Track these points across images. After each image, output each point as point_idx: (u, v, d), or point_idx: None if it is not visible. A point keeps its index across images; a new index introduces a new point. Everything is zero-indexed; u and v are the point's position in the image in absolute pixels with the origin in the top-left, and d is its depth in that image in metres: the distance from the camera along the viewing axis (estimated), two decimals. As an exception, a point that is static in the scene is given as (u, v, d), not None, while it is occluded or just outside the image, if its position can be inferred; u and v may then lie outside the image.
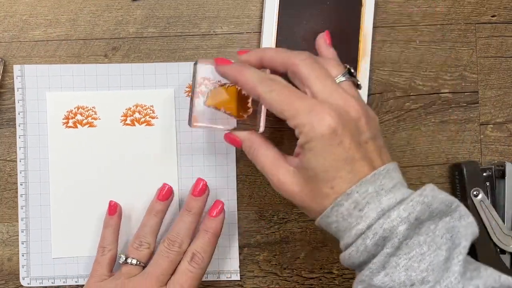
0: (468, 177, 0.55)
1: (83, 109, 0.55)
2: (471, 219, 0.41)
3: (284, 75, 0.46)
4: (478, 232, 0.41)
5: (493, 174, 0.56)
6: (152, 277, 0.49)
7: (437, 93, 0.57)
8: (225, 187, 0.56)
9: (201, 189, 0.52)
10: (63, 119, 0.55)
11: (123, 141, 0.55)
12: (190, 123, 0.49)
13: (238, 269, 0.56)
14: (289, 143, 0.56)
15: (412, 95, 0.57)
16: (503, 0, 0.58)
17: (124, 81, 0.56)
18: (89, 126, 0.55)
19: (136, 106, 0.56)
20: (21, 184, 0.55)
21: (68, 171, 0.55)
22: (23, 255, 0.55)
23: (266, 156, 0.46)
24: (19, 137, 0.55)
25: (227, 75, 0.47)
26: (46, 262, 0.55)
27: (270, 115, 0.47)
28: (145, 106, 0.56)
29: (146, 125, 0.56)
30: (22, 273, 0.55)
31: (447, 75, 0.57)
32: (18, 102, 0.55)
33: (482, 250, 0.54)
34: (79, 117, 0.55)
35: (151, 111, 0.56)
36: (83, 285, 0.52)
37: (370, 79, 0.57)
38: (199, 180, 0.52)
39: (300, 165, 0.43)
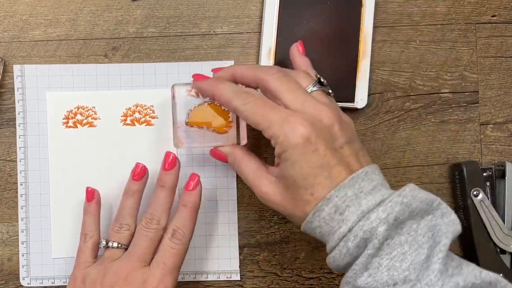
0: (468, 177, 0.55)
1: (83, 109, 0.55)
2: (453, 216, 0.42)
3: None
4: (460, 229, 0.42)
5: (493, 174, 0.56)
6: (133, 258, 0.48)
7: (437, 93, 0.57)
8: (225, 187, 0.56)
9: (171, 162, 0.51)
10: (63, 119, 0.55)
11: (123, 141, 0.55)
12: (175, 145, 0.51)
13: (238, 269, 0.56)
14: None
15: (412, 95, 0.57)
16: (503, 0, 0.58)
17: (124, 81, 0.56)
18: (89, 126, 0.55)
19: (136, 106, 0.56)
20: (21, 184, 0.55)
21: (68, 171, 0.55)
22: (23, 255, 0.55)
23: (249, 168, 0.48)
24: (19, 137, 0.55)
25: (203, 90, 0.48)
26: (46, 262, 0.55)
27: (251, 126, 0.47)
28: (145, 106, 0.56)
29: (146, 125, 0.56)
30: (22, 273, 0.55)
31: (447, 75, 0.57)
32: (18, 102, 0.55)
33: (482, 250, 0.54)
34: (79, 117, 0.55)
35: (151, 111, 0.56)
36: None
37: (370, 79, 0.57)
38: (168, 153, 0.51)
39: (280, 174, 0.45)
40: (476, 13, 0.58)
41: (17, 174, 0.55)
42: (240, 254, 0.56)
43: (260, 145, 0.56)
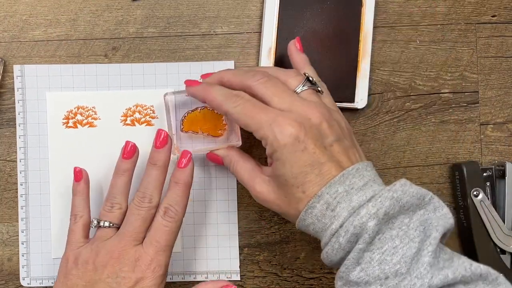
0: (469, 177, 0.55)
1: (83, 109, 0.55)
2: (445, 210, 0.42)
3: None
4: (452, 223, 0.43)
5: (494, 174, 0.56)
6: (126, 237, 0.48)
7: (437, 93, 0.57)
8: (225, 187, 0.56)
9: (162, 140, 0.50)
10: (63, 119, 0.55)
11: (123, 141, 0.55)
12: (172, 152, 0.51)
13: (239, 269, 0.56)
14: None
15: (412, 95, 0.57)
16: (503, 0, 0.58)
17: (124, 81, 0.56)
18: (89, 126, 0.55)
19: (136, 106, 0.56)
20: (21, 184, 0.55)
21: (68, 171, 0.55)
22: (23, 255, 0.55)
23: (245, 169, 0.49)
24: (19, 137, 0.55)
25: (196, 95, 0.49)
26: (46, 262, 0.55)
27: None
28: (145, 106, 0.56)
29: (146, 125, 0.56)
30: (22, 273, 0.55)
31: (447, 75, 0.57)
32: (18, 102, 0.55)
33: (482, 250, 0.54)
34: (79, 117, 0.55)
35: (151, 111, 0.56)
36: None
37: (370, 79, 0.57)
38: (159, 131, 0.50)
39: (273, 174, 0.46)
40: (476, 13, 0.58)
41: (17, 174, 0.55)
42: (240, 254, 0.56)
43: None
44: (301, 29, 0.55)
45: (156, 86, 0.56)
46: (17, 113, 0.55)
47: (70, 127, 0.55)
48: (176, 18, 0.56)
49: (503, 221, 0.55)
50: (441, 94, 0.57)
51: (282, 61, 0.55)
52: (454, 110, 0.57)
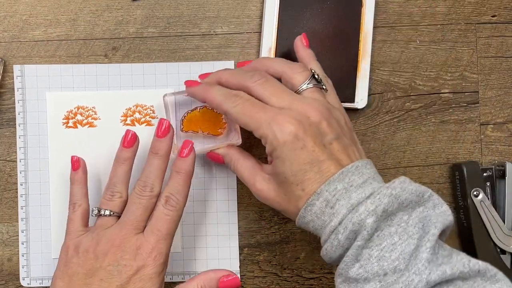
0: (469, 177, 0.55)
1: (83, 109, 0.55)
2: (444, 207, 0.43)
3: None
4: (452, 220, 0.43)
5: (494, 174, 0.56)
6: (127, 225, 0.48)
7: (437, 93, 0.57)
8: (225, 187, 0.56)
9: (164, 129, 0.50)
10: (63, 119, 0.55)
11: (123, 141, 0.55)
12: (172, 152, 0.51)
13: (239, 269, 0.56)
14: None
15: (412, 95, 0.57)
16: (503, 0, 0.58)
17: (124, 81, 0.56)
18: (89, 126, 0.55)
19: (136, 106, 0.56)
20: (21, 184, 0.55)
21: (68, 171, 0.55)
22: (23, 256, 0.55)
23: (245, 167, 0.49)
24: (19, 137, 0.55)
25: (195, 95, 0.50)
26: (46, 263, 0.55)
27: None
28: (145, 106, 0.56)
29: (146, 125, 0.56)
30: (22, 273, 0.55)
31: (447, 75, 0.57)
32: (18, 102, 0.55)
33: (482, 250, 0.54)
34: (79, 117, 0.55)
35: (151, 111, 0.56)
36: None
37: (370, 79, 0.57)
38: (162, 120, 0.50)
39: (273, 171, 0.46)
40: (476, 13, 0.58)
41: (17, 174, 0.55)
42: (240, 254, 0.56)
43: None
44: (301, 29, 0.55)
45: (156, 86, 0.56)
46: (17, 113, 0.55)
47: (70, 127, 0.55)
48: (176, 18, 0.56)
49: (503, 221, 0.55)
50: (441, 94, 0.57)
51: (282, 61, 0.55)
52: (454, 110, 0.57)
